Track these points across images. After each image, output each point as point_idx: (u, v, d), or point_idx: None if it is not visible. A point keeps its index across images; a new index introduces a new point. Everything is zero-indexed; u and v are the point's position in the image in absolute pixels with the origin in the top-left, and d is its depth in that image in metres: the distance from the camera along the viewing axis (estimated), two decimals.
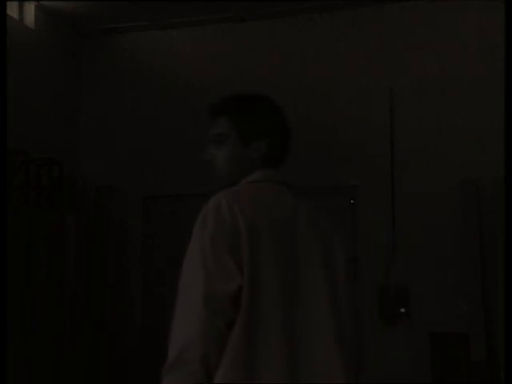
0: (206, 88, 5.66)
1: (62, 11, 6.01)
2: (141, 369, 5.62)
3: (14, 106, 5.02)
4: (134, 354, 5.81)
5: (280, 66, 5.94)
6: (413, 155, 5.58)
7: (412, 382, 5.16)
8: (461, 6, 5.61)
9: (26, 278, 5.04)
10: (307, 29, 5.96)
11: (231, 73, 5.94)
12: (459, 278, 5.30)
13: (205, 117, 2.15)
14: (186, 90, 6.04)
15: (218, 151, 2.08)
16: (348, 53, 5.86)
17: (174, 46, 6.28)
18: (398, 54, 5.73)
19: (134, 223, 6.10)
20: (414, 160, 5.57)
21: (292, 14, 5.96)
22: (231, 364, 1.81)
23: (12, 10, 5.75)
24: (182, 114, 6.03)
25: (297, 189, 2.10)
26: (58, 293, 5.27)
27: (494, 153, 4.96)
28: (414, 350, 5.34)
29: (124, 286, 5.94)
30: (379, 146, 5.64)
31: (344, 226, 5.60)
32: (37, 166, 5.55)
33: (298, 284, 1.92)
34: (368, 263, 5.53)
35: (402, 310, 5.44)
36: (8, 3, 5.30)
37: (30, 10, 5.93)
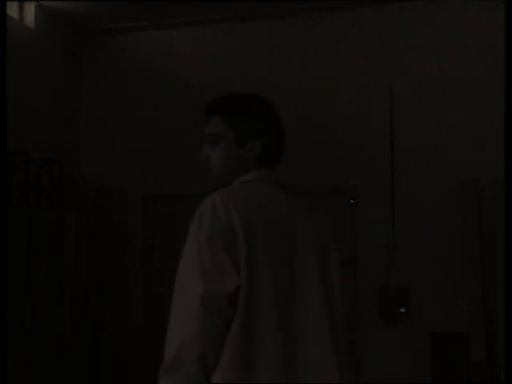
0: (206, 88, 5.65)
1: (62, 11, 6.02)
2: (141, 369, 5.62)
3: (14, 106, 5.02)
4: (134, 354, 5.81)
5: (280, 66, 5.94)
6: (413, 155, 5.59)
7: (412, 382, 5.16)
8: (461, 6, 5.61)
9: (26, 278, 5.04)
10: (307, 29, 5.96)
11: (231, 73, 5.94)
12: (459, 278, 5.30)
13: (204, 117, 2.15)
14: (185, 90, 6.04)
15: (213, 151, 2.08)
16: (348, 53, 5.86)
17: (174, 46, 6.28)
18: (398, 54, 5.73)
19: (133, 223, 6.10)
20: (414, 160, 5.58)
21: (292, 14, 5.96)
22: (229, 364, 1.81)
23: (12, 10, 5.75)
24: (181, 114, 6.02)
25: (290, 189, 2.09)
26: (57, 293, 5.27)
27: (494, 153, 4.96)
28: (414, 350, 5.34)
29: (124, 286, 5.95)
30: (379, 146, 5.65)
31: (344, 226, 5.61)
32: (37, 166, 5.56)
33: (294, 284, 1.92)
34: (368, 263, 5.54)
35: (402, 309, 5.44)
36: (8, 3, 5.30)
37: (30, 10, 5.93)
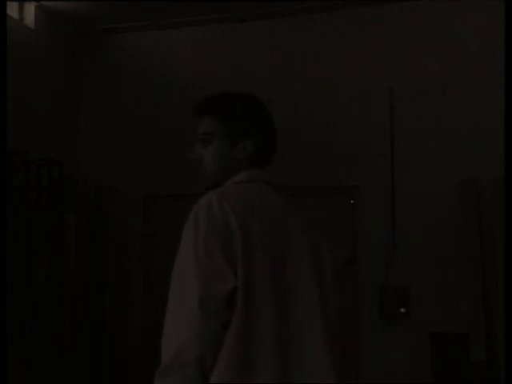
0: (206, 88, 5.62)
1: (62, 11, 6.02)
2: (141, 369, 5.62)
3: (14, 106, 5.02)
4: (134, 354, 5.81)
5: (280, 66, 5.94)
6: (413, 155, 5.59)
7: (412, 382, 5.16)
8: (461, 6, 5.61)
9: (26, 278, 5.04)
10: (307, 29, 5.96)
11: (231, 73, 5.94)
12: (459, 278, 5.30)
13: (197, 115, 2.15)
14: (185, 90, 6.03)
15: (206, 150, 2.07)
16: (348, 53, 5.86)
17: (174, 46, 6.28)
18: (398, 54, 5.73)
19: (134, 223, 6.10)
20: (414, 160, 5.58)
21: (292, 14, 5.96)
22: (227, 364, 1.80)
23: (12, 9, 5.75)
24: (181, 114, 5.98)
25: (282, 189, 2.09)
26: (58, 293, 5.27)
27: (494, 153, 4.96)
28: (414, 350, 5.34)
29: (124, 286, 5.95)
30: (379, 145, 5.65)
31: (344, 226, 5.61)
32: (37, 166, 5.56)
33: (289, 283, 1.92)
34: (368, 263, 5.54)
35: (402, 309, 5.44)
36: (8, 3, 5.30)
37: (30, 10, 5.93)
